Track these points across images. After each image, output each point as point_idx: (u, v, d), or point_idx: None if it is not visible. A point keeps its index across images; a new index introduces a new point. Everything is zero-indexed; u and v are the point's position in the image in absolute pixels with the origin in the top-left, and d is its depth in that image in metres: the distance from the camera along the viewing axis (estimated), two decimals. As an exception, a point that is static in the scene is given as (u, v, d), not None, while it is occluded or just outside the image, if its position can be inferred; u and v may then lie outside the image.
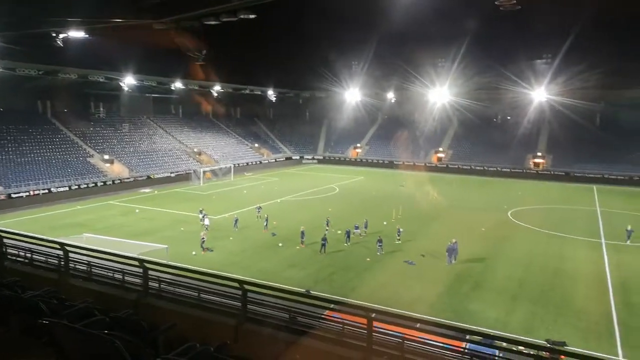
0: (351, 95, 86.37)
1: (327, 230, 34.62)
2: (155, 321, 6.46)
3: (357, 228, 34.97)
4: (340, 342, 6.92)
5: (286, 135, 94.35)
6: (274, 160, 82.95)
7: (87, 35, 26.00)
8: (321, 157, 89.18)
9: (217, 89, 76.97)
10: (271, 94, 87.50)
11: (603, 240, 34.98)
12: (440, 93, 77.65)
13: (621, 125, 71.47)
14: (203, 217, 37.04)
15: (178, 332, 6.33)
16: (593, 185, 63.13)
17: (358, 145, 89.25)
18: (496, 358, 11.21)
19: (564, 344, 18.49)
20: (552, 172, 70.14)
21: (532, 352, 6.68)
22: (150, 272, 8.92)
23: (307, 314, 7.98)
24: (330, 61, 76.12)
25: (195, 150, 71.86)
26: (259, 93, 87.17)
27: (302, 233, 32.22)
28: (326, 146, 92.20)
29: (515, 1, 13.22)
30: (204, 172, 63.39)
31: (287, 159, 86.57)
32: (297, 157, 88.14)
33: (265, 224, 36.58)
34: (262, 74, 77.45)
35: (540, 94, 72.26)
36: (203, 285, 8.92)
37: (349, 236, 33.00)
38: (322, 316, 8.46)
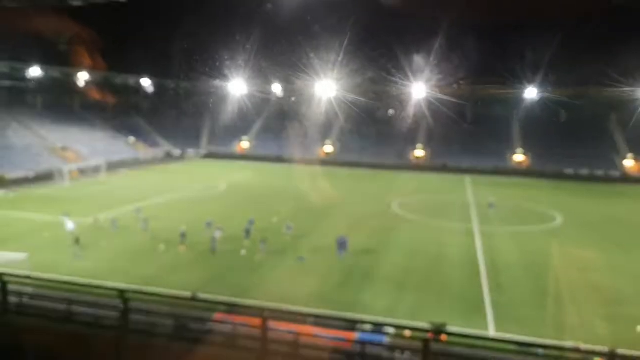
0: (236, 87, 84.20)
1: (217, 230, 32.72)
2: (20, 343, 5.63)
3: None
4: (233, 345, 6.61)
5: (167, 128, 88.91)
6: (153, 156, 77.62)
7: None
8: (205, 152, 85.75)
9: (84, 77, 69.55)
10: (149, 84, 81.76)
11: (475, 226, 38.27)
12: (326, 87, 79.18)
13: (487, 120, 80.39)
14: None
15: (50, 353, 5.45)
16: (466, 176, 69.06)
17: (244, 139, 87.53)
18: (384, 344, 11.40)
19: (445, 325, 19.57)
20: (430, 165, 75.66)
21: (417, 336, 7.04)
22: (9, 286, 7.69)
23: (196, 319, 7.68)
24: (213, 51, 73.28)
25: (59, 146, 64.20)
26: (135, 83, 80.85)
27: (183, 234, 30.19)
28: (210, 141, 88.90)
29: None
30: (70, 170, 56.85)
31: (168, 154, 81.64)
32: (179, 152, 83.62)
33: (144, 225, 33.67)
34: (138, 63, 71.90)
35: (418, 90, 77.37)
36: (76, 297, 8.13)
37: (248, 233, 31.63)
38: (212, 320, 8.17)
